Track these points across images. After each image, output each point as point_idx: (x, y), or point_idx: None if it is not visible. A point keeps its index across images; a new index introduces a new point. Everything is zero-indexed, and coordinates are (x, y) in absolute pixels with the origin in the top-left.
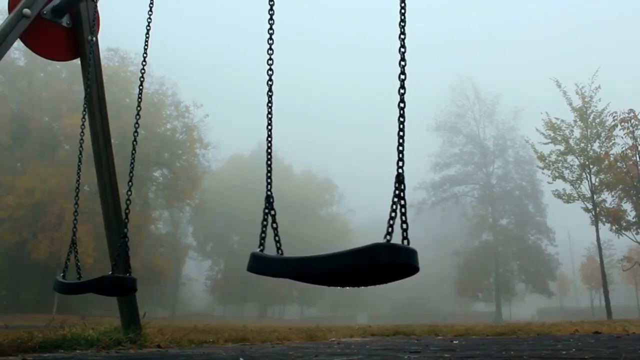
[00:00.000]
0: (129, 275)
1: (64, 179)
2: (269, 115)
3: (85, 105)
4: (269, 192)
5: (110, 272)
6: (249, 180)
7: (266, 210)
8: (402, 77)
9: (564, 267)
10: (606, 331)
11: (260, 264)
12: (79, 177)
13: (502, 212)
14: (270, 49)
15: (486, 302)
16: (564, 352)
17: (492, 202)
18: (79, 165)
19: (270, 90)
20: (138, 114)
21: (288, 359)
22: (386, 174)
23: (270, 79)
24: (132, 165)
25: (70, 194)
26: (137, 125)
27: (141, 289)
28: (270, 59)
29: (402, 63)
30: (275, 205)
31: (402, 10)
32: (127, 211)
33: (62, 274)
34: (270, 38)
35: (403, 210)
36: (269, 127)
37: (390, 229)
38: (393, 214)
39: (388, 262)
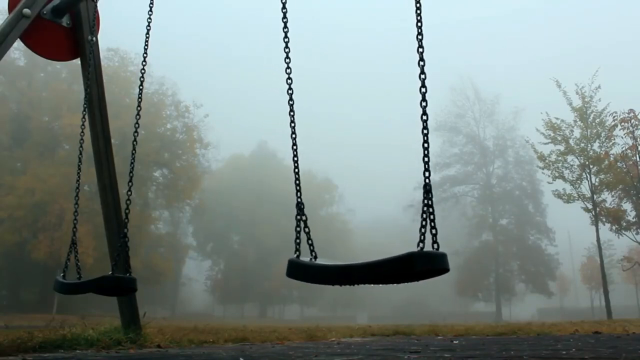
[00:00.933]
0: (129, 275)
1: (64, 179)
2: (292, 124)
3: (85, 105)
4: (299, 199)
5: (110, 272)
6: (249, 180)
7: (298, 217)
8: (423, 90)
9: (564, 267)
10: (606, 331)
11: (299, 271)
12: (79, 177)
13: (502, 212)
14: (288, 57)
15: (486, 302)
16: (564, 352)
17: (492, 202)
18: (79, 165)
19: (291, 99)
20: (138, 114)
21: (288, 359)
22: (386, 174)
23: (290, 88)
24: (132, 165)
25: (70, 194)
26: (137, 125)
27: (141, 289)
28: (289, 67)
29: (422, 76)
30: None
31: (418, 11)
32: (127, 211)
33: (62, 274)
34: (287, 46)
35: (432, 217)
36: (293, 137)
37: (422, 237)
38: (424, 222)
39: (424, 268)
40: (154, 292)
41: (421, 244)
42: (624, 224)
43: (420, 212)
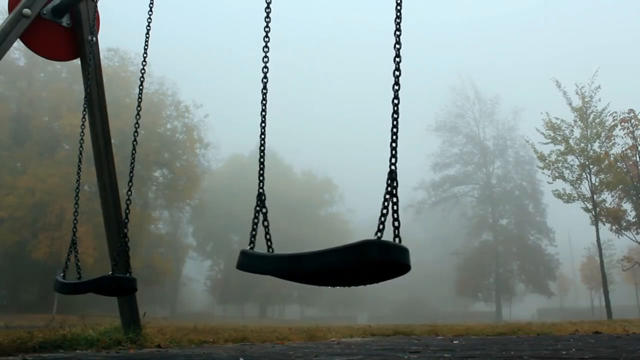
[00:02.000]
0: (129, 275)
1: (64, 179)
2: (263, 114)
3: (85, 105)
4: (261, 190)
5: (110, 272)
6: (249, 180)
7: (257, 208)
8: (397, 73)
9: (564, 267)
10: (606, 331)
11: (249, 261)
12: (79, 177)
13: (502, 212)
14: (266, 46)
15: (486, 302)
16: (564, 352)
17: (492, 202)
18: (79, 165)
19: (264, 87)
20: (138, 114)
21: (288, 359)
22: (386, 174)
23: (265, 77)
24: (132, 165)
25: (70, 194)
26: (137, 125)
27: (141, 289)
28: (266, 56)
29: (397, 59)
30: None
31: (398, 7)
32: (127, 211)
33: (62, 274)
34: (267, 36)
35: (395, 207)
36: (263, 125)
37: (381, 226)
38: (385, 211)
39: (378, 259)
40: (154, 292)
41: (379, 234)
42: (624, 224)
43: (382, 200)
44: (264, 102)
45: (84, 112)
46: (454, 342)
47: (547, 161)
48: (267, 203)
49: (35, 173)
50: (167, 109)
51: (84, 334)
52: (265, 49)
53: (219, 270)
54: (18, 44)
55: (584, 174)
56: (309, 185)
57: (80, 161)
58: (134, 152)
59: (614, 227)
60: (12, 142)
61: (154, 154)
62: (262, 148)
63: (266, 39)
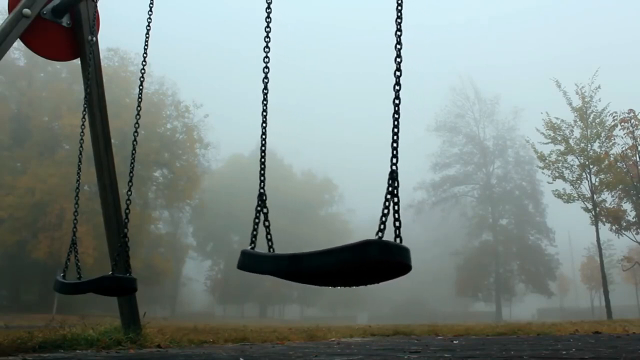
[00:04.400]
0: (129, 275)
1: (64, 179)
2: (264, 114)
3: (85, 105)
4: (261, 190)
5: (110, 272)
6: (249, 180)
7: (258, 208)
8: (398, 73)
9: (564, 267)
10: (606, 331)
11: (250, 261)
12: (79, 177)
13: (502, 212)
14: (267, 46)
15: (486, 302)
16: (564, 352)
17: (492, 202)
18: (79, 165)
19: (265, 87)
20: (138, 114)
21: (288, 359)
22: (386, 174)
23: (266, 77)
24: (132, 165)
25: (70, 194)
26: (137, 125)
27: (141, 289)
28: (267, 56)
29: (398, 60)
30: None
31: (399, 7)
32: (127, 211)
33: (62, 274)
34: (267, 36)
35: (396, 207)
36: (264, 125)
37: (382, 226)
38: (385, 211)
39: (379, 259)
40: (154, 292)
41: (380, 233)
42: (624, 224)
43: (383, 200)
44: (264, 102)
45: (84, 112)
46: (454, 342)
47: (547, 161)
48: (267, 203)
49: (35, 173)
50: (167, 109)
51: (84, 334)
52: (266, 49)
53: (219, 270)
54: (18, 44)
55: (584, 174)
56: (309, 185)
57: (80, 161)
58: (134, 152)
59: (614, 227)
60: (12, 142)
61: (154, 154)
62: (263, 148)
63: (267, 39)
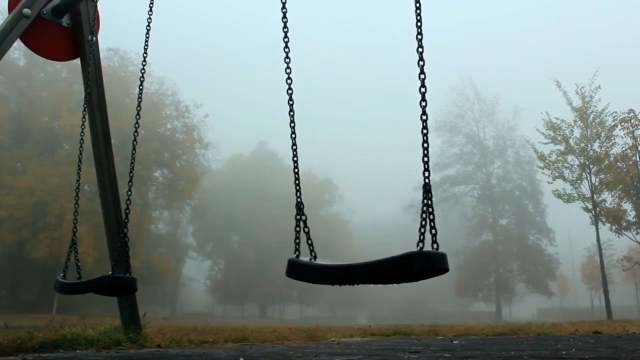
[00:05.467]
0: (129, 275)
1: (64, 179)
2: (292, 124)
3: (85, 105)
4: (298, 199)
5: (110, 272)
6: (249, 180)
7: (297, 217)
8: (423, 89)
9: (564, 267)
10: (606, 331)
11: (299, 271)
12: (79, 177)
13: (502, 212)
14: (287, 57)
15: (486, 302)
16: (564, 352)
17: (492, 202)
18: (79, 165)
19: (290, 99)
20: (138, 114)
21: (288, 359)
22: (386, 174)
23: (290, 88)
24: (132, 165)
25: (70, 194)
26: (137, 125)
27: (141, 289)
28: (288, 67)
29: (422, 76)
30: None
31: (418, 11)
32: (127, 211)
33: (62, 274)
34: (286, 46)
35: (432, 217)
36: (293, 137)
37: (422, 237)
38: (424, 222)
39: (424, 268)
40: (154, 292)
41: (421, 244)
42: (624, 224)
43: (420, 212)
44: (291, 113)
45: (84, 112)
46: (454, 342)
47: (547, 161)
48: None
49: (35, 173)
50: (167, 109)
51: (84, 334)
52: (287, 60)
53: (219, 270)
54: (18, 44)
55: (584, 174)
56: (309, 185)
57: (80, 161)
58: (134, 152)
59: (614, 227)
60: (12, 142)
61: (154, 154)
62: (295, 158)
63: (285, 39)
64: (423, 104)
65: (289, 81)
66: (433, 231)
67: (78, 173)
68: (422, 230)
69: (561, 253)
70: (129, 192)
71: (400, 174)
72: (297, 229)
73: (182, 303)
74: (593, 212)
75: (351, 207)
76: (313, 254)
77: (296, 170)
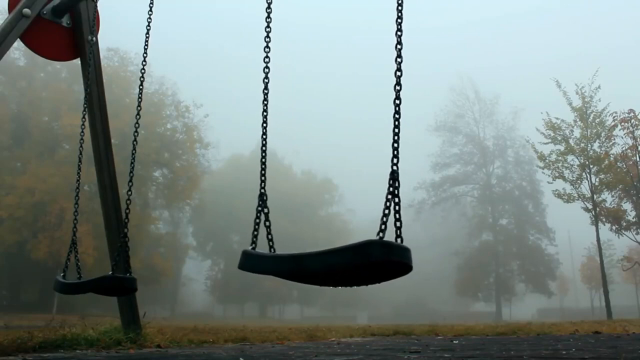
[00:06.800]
0: (129, 275)
1: (64, 179)
2: (264, 114)
3: (85, 105)
4: (262, 190)
5: (110, 272)
6: (249, 180)
7: (259, 208)
8: (399, 73)
9: (564, 267)
10: (606, 331)
11: (251, 262)
12: (79, 177)
13: (502, 212)
14: (267, 46)
15: (486, 302)
16: (564, 352)
17: (492, 202)
18: (79, 165)
19: (266, 87)
20: (138, 114)
21: (288, 359)
22: (386, 174)
23: (266, 77)
24: (132, 165)
25: (70, 194)
26: (137, 125)
27: (141, 289)
28: (267, 56)
29: (399, 60)
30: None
31: (399, 7)
32: (127, 211)
33: (62, 274)
34: (267, 36)
35: (397, 207)
36: (264, 125)
37: (383, 226)
38: (387, 211)
39: (380, 259)
40: (154, 292)
41: (381, 234)
42: (624, 224)
43: (385, 200)
44: (265, 102)
45: (84, 112)
46: (454, 342)
47: (547, 161)
48: (267, 203)
49: (35, 173)
50: (167, 109)
51: (84, 334)
52: (267, 49)
53: (219, 270)
54: (18, 44)
55: (584, 173)
56: (309, 185)
57: (80, 161)
58: (134, 152)
59: (614, 227)
60: (12, 142)
61: (154, 154)
62: (264, 148)
63: (267, 39)
64: (397, 87)
65: (266, 70)
66: (398, 223)
67: (78, 173)
68: (385, 219)
69: (561, 253)
70: (129, 192)
71: (400, 173)
72: (257, 220)
73: (182, 303)
74: (593, 212)
75: (351, 207)
76: (272, 250)
77: (263, 160)
